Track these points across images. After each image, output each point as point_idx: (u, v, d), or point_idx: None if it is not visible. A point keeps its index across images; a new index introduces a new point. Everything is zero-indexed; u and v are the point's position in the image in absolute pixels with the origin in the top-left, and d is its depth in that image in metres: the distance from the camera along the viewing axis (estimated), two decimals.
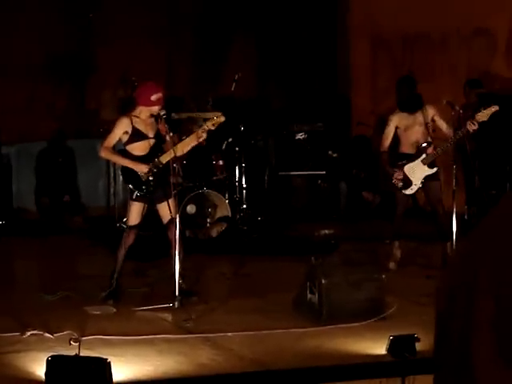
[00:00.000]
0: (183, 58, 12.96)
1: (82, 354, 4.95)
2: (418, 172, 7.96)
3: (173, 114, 9.85)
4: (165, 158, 6.88)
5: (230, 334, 5.89)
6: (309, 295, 6.34)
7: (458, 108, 7.71)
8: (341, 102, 12.90)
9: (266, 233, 10.17)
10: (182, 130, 9.28)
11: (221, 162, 10.15)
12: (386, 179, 8.20)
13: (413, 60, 12.33)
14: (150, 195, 6.96)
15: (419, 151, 7.97)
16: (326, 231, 10.53)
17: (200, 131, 7.01)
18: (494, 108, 7.62)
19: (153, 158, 6.92)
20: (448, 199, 7.81)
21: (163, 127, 6.88)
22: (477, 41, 11.96)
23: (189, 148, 7.08)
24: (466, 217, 9.89)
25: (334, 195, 11.85)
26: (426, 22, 12.03)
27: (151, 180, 6.91)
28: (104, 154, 7.03)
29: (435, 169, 7.99)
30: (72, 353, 4.96)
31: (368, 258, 6.85)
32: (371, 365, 5.24)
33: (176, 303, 6.57)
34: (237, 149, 10.39)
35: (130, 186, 6.96)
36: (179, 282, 6.61)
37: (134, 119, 6.90)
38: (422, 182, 7.98)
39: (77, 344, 5.21)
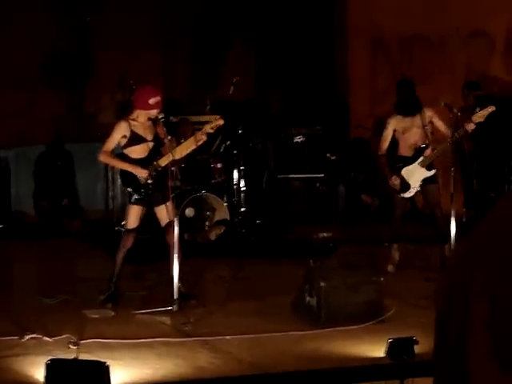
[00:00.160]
0: (181, 62, 12.96)
1: (80, 358, 4.95)
2: (416, 174, 7.95)
3: (171, 118, 9.86)
4: (163, 162, 6.88)
5: (228, 337, 5.90)
6: (307, 298, 6.33)
7: (455, 110, 7.69)
8: (339, 104, 12.90)
9: (264, 236, 10.16)
10: (179, 132, 9.29)
11: (219, 165, 10.14)
12: (385, 182, 8.20)
13: (411, 61, 12.32)
14: (148, 198, 6.96)
15: (417, 153, 7.97)
16: (325, 234, 10.53)
17: (199, 134, 7.01)
18: (491, 108, 7.59)
19: (151, 161, 6.93)
20: (446, 202, 7.79)
21: (161, 130, 6.88)
22: (475, 42, 11.94)
23: (188, 151, 7.09)
24: (464, 219, 9.88)
25: (332, 198, 11.85)
26: (425, 23, 12.01)
27: (150, 183, 6.91)
28: (103, 158, 7.04)
29: (433, 171, 7.97)
30: (71, 356, 4.98)
31: (366, 261, 6.85)
32: (370, 368, 5.24)
33: (175, 306, 6.56)
34: (235, 152, 10.39)
35: (129, 189, 6.97)
36: (178, 286, 6.61)
37: (132, 123, 6.90)
38: (420, 185, 7.97)
39: (75, 347, 5.21)
